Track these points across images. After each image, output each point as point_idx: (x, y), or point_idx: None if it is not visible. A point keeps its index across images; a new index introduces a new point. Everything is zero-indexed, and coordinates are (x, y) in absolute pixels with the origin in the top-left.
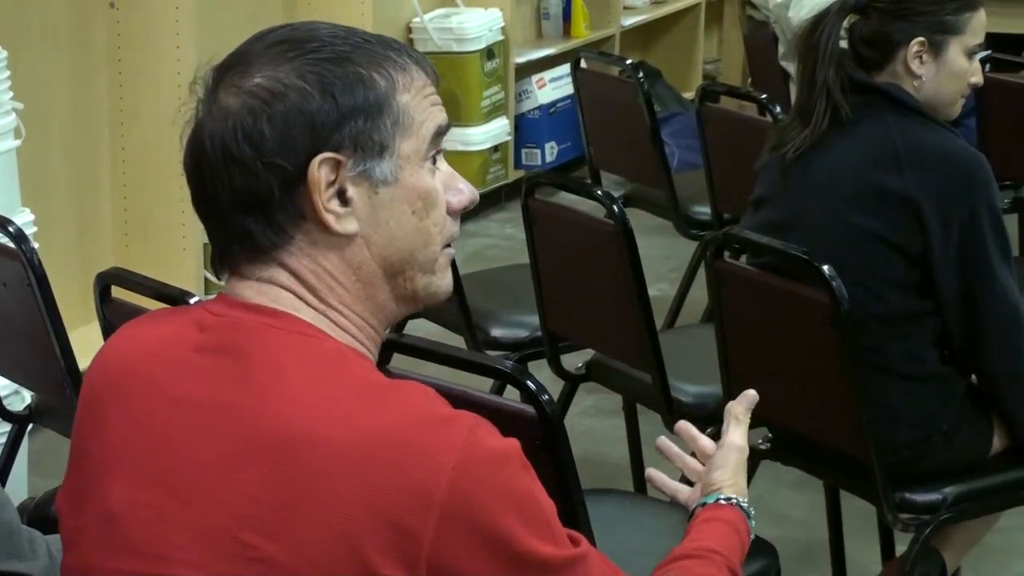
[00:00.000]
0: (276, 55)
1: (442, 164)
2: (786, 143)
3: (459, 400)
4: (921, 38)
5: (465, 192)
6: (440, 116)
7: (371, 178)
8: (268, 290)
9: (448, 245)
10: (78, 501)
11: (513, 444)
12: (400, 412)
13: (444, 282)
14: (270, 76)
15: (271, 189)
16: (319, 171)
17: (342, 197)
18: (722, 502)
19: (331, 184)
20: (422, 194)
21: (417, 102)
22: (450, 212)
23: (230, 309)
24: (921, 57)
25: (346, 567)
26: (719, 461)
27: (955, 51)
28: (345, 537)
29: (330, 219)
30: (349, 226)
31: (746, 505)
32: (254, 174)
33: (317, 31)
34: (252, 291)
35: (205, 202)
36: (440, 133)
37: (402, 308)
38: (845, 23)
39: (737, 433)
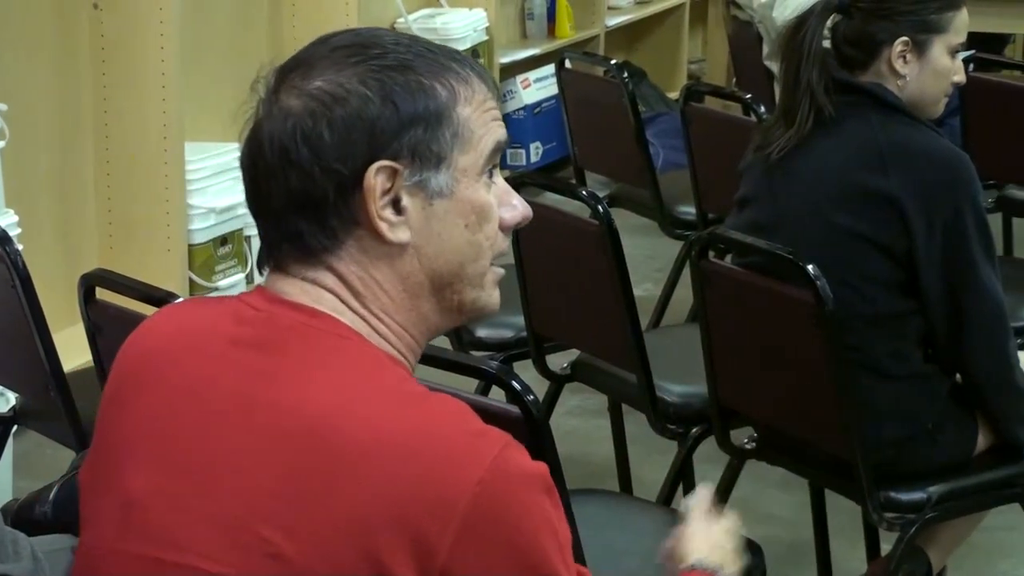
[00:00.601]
0: (339, 59)
1: (498, 179)
2: (770, 143)
3: None
4: (905, 38)
5: (519, 208)
6: (500, 131)
7: (427, 189)
8: (311, 290)
9: (496, 263)
10: (97, 482)
11: (541, 468)
12: (431, 422)
13: (492, 299)
14: (332, 80)
15: (326, 193)
16: (376, 178)
17: (396, 206)
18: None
19: (386, 192)
20: (476, 208)
21: (478, 116)
22: (503, 228)
23: (269, 304)
24: (905, 56)
25: (359, 568)
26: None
27: (939, 50)
28: (360, 538)
29: (383, 227)
30: (402, 235)
31: None
32: (311, 177)
33: (381, 38)
34: (295, 289)
35: (258, 201)
36: (499, 149)
37: (446, 321)
38: (828, 23)
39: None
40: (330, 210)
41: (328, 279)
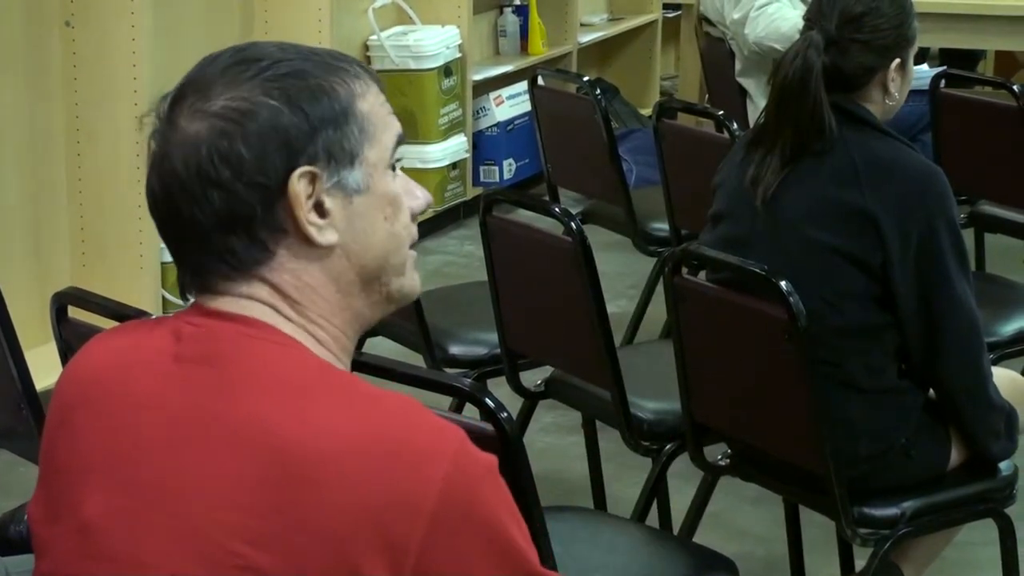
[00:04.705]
0: (234, 77)
1: (399, 171)
2: (751, 160)
3: None
4: (899, 59)
5: (421, 197)
6: (397, 125)
7: (345, 188)
8: (247, 304)
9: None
10: (52, 511)
11: (495, 460)
12: (388, 423)
13: (415, 282)
14: (235, 97)
15: (253, 208)
16: (298, 185)
17: (319, 209)
18: None
19: (309, 197)
20: (391, 200)
21: (376, 109)
22: (411, 217)
23: (207, 319)
24: (895, 76)
25: (334, 573)
26: None
27: (911, 59)
28: (334, 544)
29: (312, 232)
30: (330, 237)
31: None
32: (235, 195)
33: (266, 49)
34: (232, 305)
35: (179, 228)
36: (400, 142)
37: (376, 313)
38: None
39: None
40: (258, 224)
41: (263, 292)
